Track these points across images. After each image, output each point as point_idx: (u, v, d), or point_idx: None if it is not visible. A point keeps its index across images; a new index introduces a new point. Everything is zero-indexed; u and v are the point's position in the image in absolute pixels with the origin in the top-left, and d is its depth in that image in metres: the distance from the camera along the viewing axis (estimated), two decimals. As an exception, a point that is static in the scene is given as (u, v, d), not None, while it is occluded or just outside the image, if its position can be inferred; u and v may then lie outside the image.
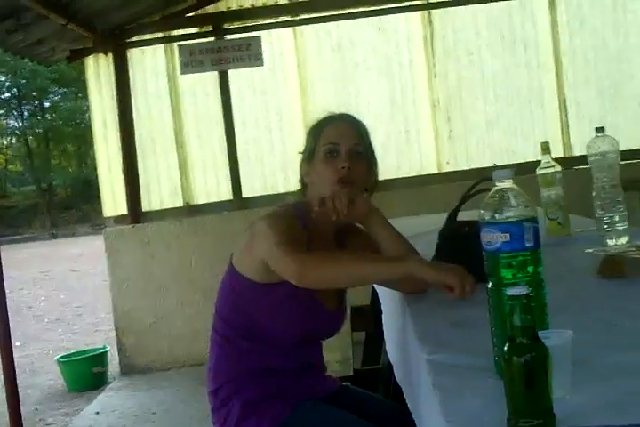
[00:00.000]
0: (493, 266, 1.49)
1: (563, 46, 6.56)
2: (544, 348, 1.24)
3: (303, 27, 6.47)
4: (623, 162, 2.79)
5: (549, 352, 1.24)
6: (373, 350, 3.41)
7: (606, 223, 2.69)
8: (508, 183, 1.53)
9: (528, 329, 1.24)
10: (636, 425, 1.15)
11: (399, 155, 6.40)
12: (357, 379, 3.23)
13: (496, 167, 5.97)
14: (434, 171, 6.41)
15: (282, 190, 6.23)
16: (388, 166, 6.17)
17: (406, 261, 2.00)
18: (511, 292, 1.25)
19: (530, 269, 1.48)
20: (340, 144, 2.33)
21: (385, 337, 2.76)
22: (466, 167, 6.27)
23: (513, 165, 5.78)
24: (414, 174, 6.38)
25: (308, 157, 2.40)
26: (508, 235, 1.48)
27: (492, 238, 1.50)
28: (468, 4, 6.44)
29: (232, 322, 2.39)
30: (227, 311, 2.41)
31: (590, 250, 2.54)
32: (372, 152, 2.43)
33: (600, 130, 2.80)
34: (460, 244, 2.28)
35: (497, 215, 1.50)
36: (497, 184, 1.54)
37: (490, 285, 1.50)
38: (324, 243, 2.37)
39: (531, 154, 5.95)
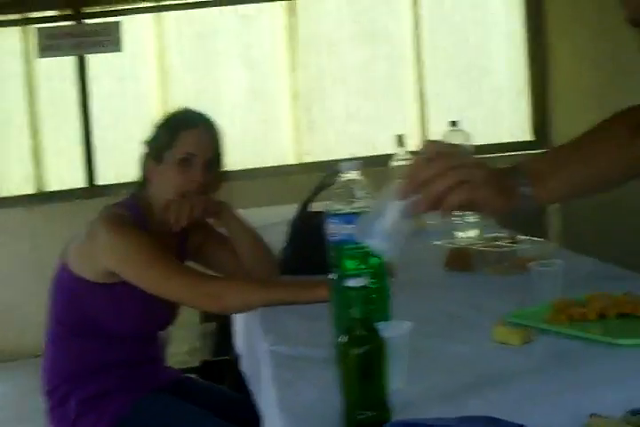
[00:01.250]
0: (337, 257, 1.49)
1: (424, 40, 6.64)
2: (381, 339, 1.24)
3: (165, 13, 6.36)
4: (480, 155, 2.83)
5: (386, 344, 1.25)
6: (224, 341, 3.38)
7: (456, 216, 2.73)
8: (354, 175, 1.53)
9: (365, 321, 1.24)
10: (470, 417, 1.17)
11: (259, 145, 6.35)
12: (205, 371, 3.21)
13: (353, 159, 6.02)
14: (293, 161, 6.41)
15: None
16: (248, 156, 6.14)
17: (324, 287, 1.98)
18: (350, 283, 1.25)
19: (373, 260, 1.49)
20: (197, 155, 2.27)
21: (234, 328, 2.75)
22: (325, 158, 6.29)
23: (372, 156, 5.83)
24: (274, 164, 6.37)
25: (156, 155, 2.32)
26: (351, 226, 1.48)
27: (337, 229, 1.50)
28: (333, -5, 6.47)
29: (66, 319, 2.33)
30: (60, 309, 2.34)
31: (439, 242, 2.58)
32: (223, 156, 2.40)
33: (454, 123, 2.84)
34: (310, 234, 2.27)
35: (342, 206, 1.50)
36: (344, 175, 1.54)
37: (333, 276, 1.50)
38: (166, 241, 2.34)
39: (390, 146, 5.98)
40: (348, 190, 1.51)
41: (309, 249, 2.07)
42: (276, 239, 2.54)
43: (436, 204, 1.31)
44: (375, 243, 1.30)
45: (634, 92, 5.65)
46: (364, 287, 1.24)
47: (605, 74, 6.29)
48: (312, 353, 1.61)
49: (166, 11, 6.41)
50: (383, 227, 1.28)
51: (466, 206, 1.35)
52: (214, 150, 2.33)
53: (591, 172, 1.44)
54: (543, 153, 1.52)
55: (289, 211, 2.66)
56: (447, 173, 1.29)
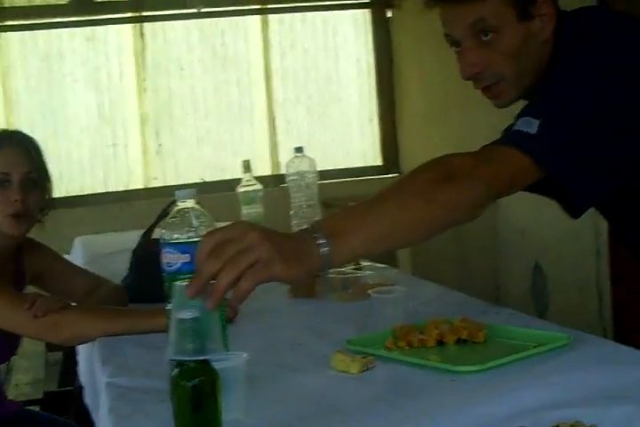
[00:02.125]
0: (171, 287, 1.45)
1: (274, 65, 6.68)
2: (214, 371, 1.21)
3: (9, 34, 6.18)
4: (327, 181, 2.85)
5: (220, 375, 1.22)
6: (69, 372, 3.28)
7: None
8: (190, 203, 1.50)
9: (198, 352, 1.21)
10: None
11: (106, 169, 6.22)
12: (49, 402, 3.11)
13: (202, 183, 5.96)
14: (141, 186, 6.31)
15: None
16: (95, 181, 6.01)
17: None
18: (180, 315, 1.22)
19: (209, 290, 1.46)
20: (10, 174, 2.21)
21: (78, 358, 2.67)
22: (174, 183, 6.22)
23: (221, 181, 5.80)
24: (121, 189, 6.25)
25: None
26: (188, 255, 1.45)
27: (173, 259, 1.47)
28: (181, 19, 6.42)
29: None
30: None
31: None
32: (46, 171, 2.33)
33: (299, 150, 2.85)
34: (152, 262, 2.23)
35: (178, 236, 1.47)
36: (179, 204, 1.51)
37: (169, 306, 1.46)
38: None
39: (239, 171, 5.98)
40: (185, 219, 1.48)
41: (151, 277, 2.02)
42: (121, 267, 2.49)
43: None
44: None
45: (480, 120, 5.82)
46: (195, 319, 1.21)
47: (452, 101, 6.45)
48: (151, 384, 1.57)
49: (11, 31, 6.23)
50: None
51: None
52: (32, 168, 2.26)
53: (393, 227, 1.38)
54: (344, 209, 1.46)
55: (134, 238, 2.60)
56: (230, 264, 1.23)
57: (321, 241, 1.30)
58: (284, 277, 1.28)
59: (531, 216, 5.33)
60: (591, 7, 1.98)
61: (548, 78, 1.65)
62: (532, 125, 1.52)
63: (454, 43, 1.70)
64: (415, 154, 6.99)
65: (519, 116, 1.58)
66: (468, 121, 6.13)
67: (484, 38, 1.63)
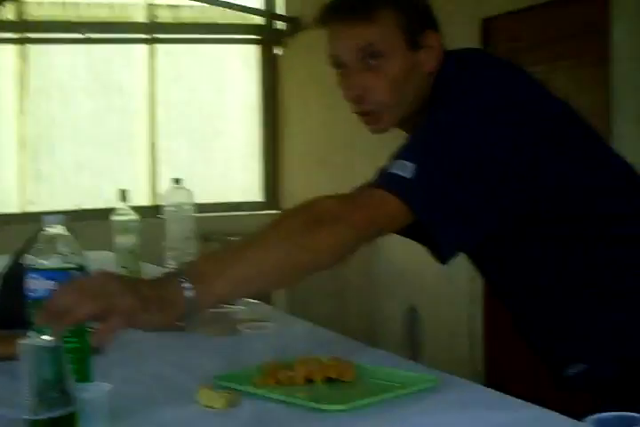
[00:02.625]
0: (34, 314, 1.40)
1: (159, 96, 6.63)
2: (73, 402, 1.18)
3: None
4: (207, 214, 2.83)
5: (80, 406, 1.19)
6: None
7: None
8: (58, 229, 1.46)
9: (58, 382, 1.17)
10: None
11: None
12: None
13: (78, 210, 5.83)
14: (16, 210, 6.15)
15: None
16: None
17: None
18: (41, 342, 1.18)
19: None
20: None
21: None
22: (51, 208, 6.09)
23: (97, 209, 5.69)
24: (-5, 213, 6.08)
25: None
26: (53, 282, 1.41)
27: (37, 285, 1.42)
28: (66, 43, 6.33)
29: None
30: None
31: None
32: None
33: (177, 181, 2.82)
34: (20, 288, 2.16)
35: (43, 262, 1.43)
36: (47, 229, 1.46)
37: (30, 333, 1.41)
38: None
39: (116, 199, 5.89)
40: (52, 245, 1.43)
41: (18, 303, 1.95)
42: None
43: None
44: None
45: (362, 161, 5.89)
46: (57, 347, 1.17)
47: (336, 142, 6.52)
48: (10, 414, 1.51)
49: None
50: None
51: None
52: None
53: (259, 272, 1.37)
54: (210, 253, 1.44)
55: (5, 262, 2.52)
56: (89, 300, 1.21)
57: (186, 285, 1.28)
58: (148, 326, 1.26)
59: (408, 257, 5.39)
60: (473, 48, 2.01)
61: (426, 116, 1.67)
62: (406, 169, 1.51)
63: (339, 64, 1.69)
64: (296, 191, 7.02)
65: (395, 157, 1.58)
66: (350, 162, 6.20)
67: (371, 62, 1.63)
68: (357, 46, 1.63)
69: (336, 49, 1.67)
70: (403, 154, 1.56)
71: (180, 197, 2.76)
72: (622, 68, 3.93)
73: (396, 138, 1.60)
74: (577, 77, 4.31)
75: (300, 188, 6.98)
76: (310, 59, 6.97)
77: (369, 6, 1.62)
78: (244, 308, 2.31)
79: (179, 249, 2.75)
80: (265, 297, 4.83)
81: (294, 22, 7.18)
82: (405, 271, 5.60)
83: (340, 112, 6.47)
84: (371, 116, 1.70)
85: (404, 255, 5.50)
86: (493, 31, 4.91)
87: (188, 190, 2.79)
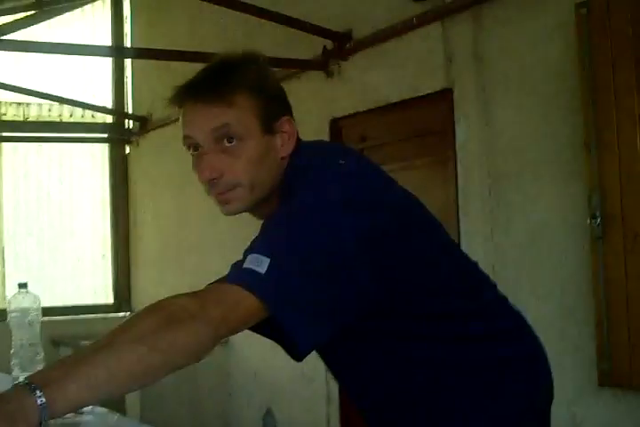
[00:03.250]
0: None
1: (5, 195, 6.47)
2: None
3: None
4: (56, 318, 2.72)
5: None
6: None
7: (22, 383, 2.55)
8: None
9: None
10: None
11: None
12: None
13: None
14: None
15: None
16: None
17: None
18: None
19: None
20: None
21: None
22: None
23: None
24: None
25: None
26: None
27: None
28: None
29: None
30: None
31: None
32: None
33: (23, 286, 2.71)
34: None
35: None
36: None
37: None
38: None
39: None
40: None
41: None
42: None
43: None
44: None
45: (212, 263, 5.85)
46: None
47: (187, 243, 6.47)
48: None
49: None
50: None
51: None
52: None
53: (110, 375, 1.29)
54: (61, 359, 1.37)
55: None
56: None
57: (37, 393, 1.20)
58: None
59: (263, 358, 5.33)
60: (326, 141, 2.02)
61: (278, 205, 1.65)
62: (261, 264, 1.48)
63: (193, 146, 1.65)
64: (148, 293, 6.91)
65: (249, 250, 1.55)
66: (202, 263, 6.16)
67: (227, 144, 1.62)
68: (213, 127, 1.61)
69: (191, 129, 1.64)
70: (256, 247, 1.53)
71: (25, 302, 2.64)
72: (466, 167, 4.06)
73: (249, 236, 1.57)
74: (426, 176, 4.42)
75: (153, 288, 6.88)
76: (160, 157, 6.97)
77: (226, 89, 1.62)
78: (91, 417, 2.21)
79: (24, 356, 2.62)
80: (119, 403, 4.67)
81: (143, 121, 7.19)
82: (259, 373, 5.52)
83: (191, 210, 6.48)
84: (225, 197, 1.67)
85: (256, 356, 5.44)
86: (343, 130, 5.02)
87: (35, 295, 2.68)
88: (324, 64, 5.00)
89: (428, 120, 4.40)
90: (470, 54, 4.02)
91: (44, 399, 1.20)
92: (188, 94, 1.65)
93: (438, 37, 4.20)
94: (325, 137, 5.01)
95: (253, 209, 1.73)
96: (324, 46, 4.91)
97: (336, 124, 5.03)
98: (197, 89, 1.64)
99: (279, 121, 1.69)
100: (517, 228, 3.83)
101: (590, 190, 3.36)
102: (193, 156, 1.67)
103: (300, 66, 5.17)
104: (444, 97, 4.20)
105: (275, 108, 1.68)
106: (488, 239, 3.95)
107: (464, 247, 4.05)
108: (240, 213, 1.71)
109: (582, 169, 3.42)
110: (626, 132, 3.28)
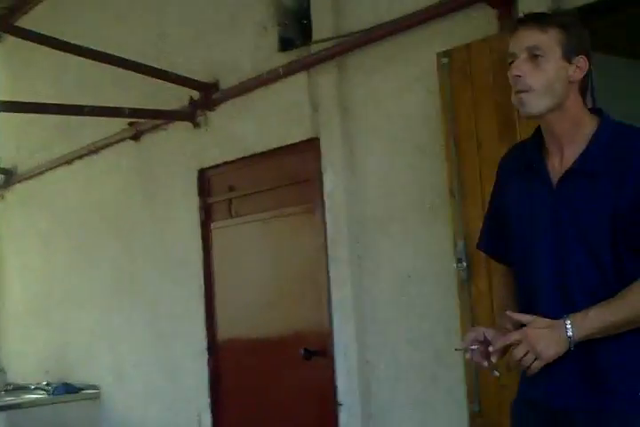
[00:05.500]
0: None
1: None
2: None
3: None
4: None
5: None
6: None
7: None
8: None
9: None
10: None
11: None
12: None
13: None
14: None
15: None
16: None
17: None
18: None
19: None
20: None
21: None
22: None
23: None
24: None
25: None
26: None
27: None
28: None
29: None
30: None
31: None
32: None
33: None
34: None
35: None
36: None
37: None
38: None
39: None
40: None
41: None
42: None
43: None
44: None
45: (80, 320, 5.72)
46: None
47: (54, 299, 6.30)
48: None
49: None
50: None
51: None
52: None
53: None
54: None
55: None
56: None
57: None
58: None
59: (133, 410, 5.20)
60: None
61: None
62: None
63: (512, 55, 2.16)
64: (15, 349, 6.71)
65: None
66: (70, 319, 6.00)
67: (535, 58, 2.14)
68: (528, 45, 2.13)
69: (513, 46, 2.17)
70: None
71: None
72: (335, 215, 4.08)
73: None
74: (295, 225, 4.43)
75: (20, 345, 6.68)
76: (26, 210, 6.81)
77: (544, 21, 2.16)
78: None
79: None
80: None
81: (9, 174, 7.04)
82: (132, 424, 5.38)
83: (57, 264, 6.31)
84: (520, 96, 2.13)
85: (130, 408, 5.31)
86: (212, 181, 4.99)
87: None
88: (191, 115, 4.99)
89: (296, 169, 4.42)
90: (336, 103, 4.07)
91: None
92: (520, 23, 2.19)
93: (304, 87, 4.25)
94: (193, 188, 4.98)
95: (542, 118, 2.17)
96: (191, 97, 4.90)
97: (204, 175, 5.00)
98: (526, 20, 2.19)
99: (577, 56, 2.15)
100: (386, 274, 3.87)
101: (455, 235, 3.42)
102: (510, 65, 2.17)
103: (167, 117, 5.14)
104: (311, 146, 4.24)
105: (575, 46, 2.15)
106: (357, 286, 3.97)
107: (334, 294, 4.06)
108: (533, 117, 2.18)
109: (447, 215, 3.48)
110: (489, 178, 3.34)
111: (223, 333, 4.92)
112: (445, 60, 3.50)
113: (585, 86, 2.21)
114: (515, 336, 2.02)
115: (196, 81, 4.84)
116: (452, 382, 3.53)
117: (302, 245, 4.35)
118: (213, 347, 4.95)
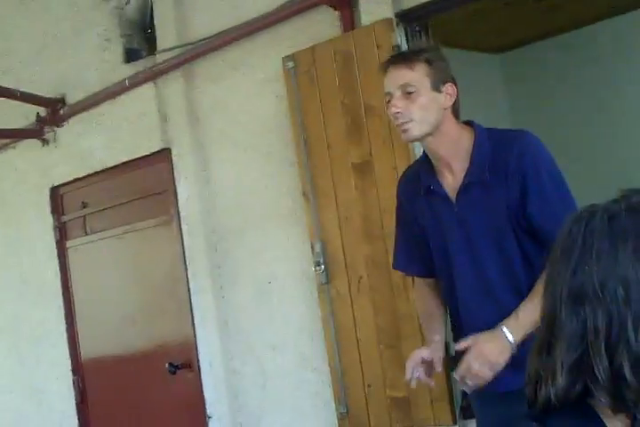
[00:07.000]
0: None
1: None
2: None
3: None
4: None
5: None
6: None
7: None
8: None
9: None
10: None
11: None
12: None
13: None
14: None
15: None
16: None
17: None
18: None
19: None
20: None
21: None
22: None
23: None
24: None
25: None
26: None
27: None
28: None
29: None
30: None
31: None
32: None
33: None
34: None
35: None
36: None
37: None
38: None
39: None
40: None
41: None
42: None
43: None
44: None
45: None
46: None
47: None
48: None
49: None
50: None
51: None
52: None
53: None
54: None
55: None
56: None
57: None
58: None
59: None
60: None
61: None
62: None
63: (389, 97, 2.39)
64: None
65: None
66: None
67: (408, 94, 2.36)
68: (401, 83, 2.36)
69: (388, 85, 2.40)
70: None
71: None
72: (191, 225, 4.04)
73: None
74: (151, 237, 4.36)
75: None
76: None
77: (410, 59, 2.39)
78: None
79: None
80: None
81: None
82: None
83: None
84: (403, 126, 2.36)
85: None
86: (64, 198, 4.87)
87: None
88: (38, 132, 4.86)
89: (148, 181, 4.35)
90: (185, 113, 4.04)
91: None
92: (388, 63, 2.43)
93: (152, 98, 4.19)
94: (46, 206, 4.86)
95: (423, 141, 2.42)
96: (37, 113, 4.77)
97: (56, 192, 4.88)
98: (394, 60, 2.44)
99: (444, 85, 2.39)
100: (246, 282, 3.85)
101: (312, 238, 3.43)
102: (388, 103, 2.40)
103: (14, 135, 5.00)
104: (162, 157, 4.18)
105: (440, 77, 2.39)
106: (218, 296, 3.93)
107: (195, 305, 4.02)
108: (415, 140, 2.49)
109: (303, 218, 3.49)
110: (341, 178, 3.38)
111: (87, 352, 4.80)
112: (291, 63, 3.51)
113: (457, 108, 2.45)
114: (463, 344, 2.28)
115: (42, 97, 4.71)
116: (318, 386, 3.54)
117: (160, 257, 4.29)
118: (78, 367, 4.83)
